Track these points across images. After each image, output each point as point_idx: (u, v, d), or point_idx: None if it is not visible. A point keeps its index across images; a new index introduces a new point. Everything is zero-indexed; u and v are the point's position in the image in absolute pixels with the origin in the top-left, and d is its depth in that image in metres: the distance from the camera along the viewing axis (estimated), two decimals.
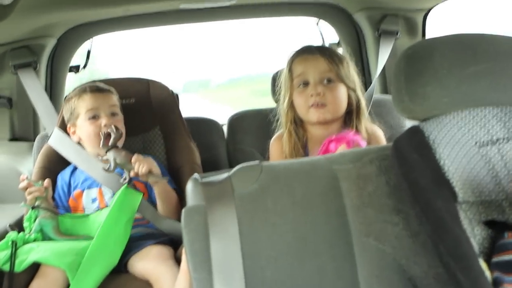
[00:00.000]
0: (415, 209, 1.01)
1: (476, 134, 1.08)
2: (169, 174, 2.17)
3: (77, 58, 2.97)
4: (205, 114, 2.80)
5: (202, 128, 2.58)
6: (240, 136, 2.50)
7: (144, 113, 2.35)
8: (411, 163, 1.04)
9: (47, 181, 2.00)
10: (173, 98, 2.43)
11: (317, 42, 2.86)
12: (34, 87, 2.57)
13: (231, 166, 2.47)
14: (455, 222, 0.97)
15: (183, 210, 1.04)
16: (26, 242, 1.86)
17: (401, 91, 1.13)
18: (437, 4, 2.64)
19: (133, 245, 1.92)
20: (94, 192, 2.10)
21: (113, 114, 2.14)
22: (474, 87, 1.09)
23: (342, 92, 1.94)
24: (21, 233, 1.87)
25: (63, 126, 2.25)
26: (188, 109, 2.57)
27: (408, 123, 2.36)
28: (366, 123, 2.00)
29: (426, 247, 1.01)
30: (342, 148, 1.75)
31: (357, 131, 1.95)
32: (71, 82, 2.86)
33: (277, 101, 2.17)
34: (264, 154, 2.24)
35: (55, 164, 2.21)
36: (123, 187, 1.98)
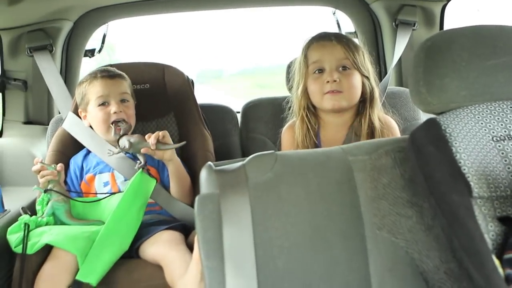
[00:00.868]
0: (429, 202, 1.00)
1: (493, 128, 1.07)
2: (182, 160, 2.17)
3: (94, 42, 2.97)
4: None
5: (216, 115, 2.57)
6: (253, 124, 2.50)
7: (159, 99, 2.35)
8: (427, 156, 1.03)
9: (60, 165, 2.01)
10: (188, 84, 2.42)
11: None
12: (49, 70, 2.58)
13: (244, 154, 2.49)
14: (469, 217, 0.96)
15: (196, 198, 1.04)
16: (38, 225, 1.87)
17: (419, 82, 1.12)
18: None
19: (144, 231, 1.93)
20: (106, 176, 2.11)
21: (123, 101, 2.14)
22: (492, 80, 1.08)
23: (357, 79, 1.93)
24: (34, 216, 1.88)
25: (77, 110, 2.25)
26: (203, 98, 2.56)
27: (423, 116, 2.36)
28: (379, 113, 1.99)
29: (439, 241, 1.00)
30: None
31: (370, 120, 1.94)
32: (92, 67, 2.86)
33: (290, 89, 2.16)
34: (276, 143, 2.24)
35: (69, 148, 2.22)
36: (138, 172, 1.98)
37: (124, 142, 2.01)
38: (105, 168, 2.12)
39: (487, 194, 1.02)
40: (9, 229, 1.83)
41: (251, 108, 2.54)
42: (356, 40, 2.84)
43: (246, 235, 0.99)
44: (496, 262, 0.94)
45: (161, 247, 1.86)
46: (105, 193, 2.04)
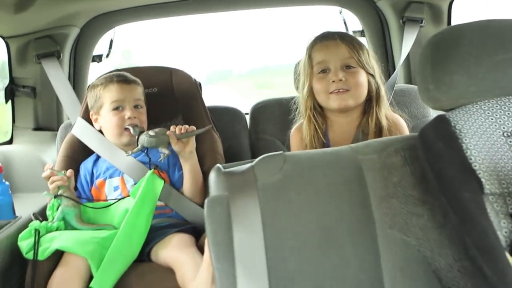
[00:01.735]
0: (440, 200, 0.99)
1: (503, 123, 1.06)
2: None
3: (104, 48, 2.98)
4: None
5: (225, 117, 2.57)
6: (262, 125, 2.49)
7: (167, 102, 2.35)
8: (438, 153, 1.02)
9: (69, 171, 2.02)
10: (196, 87, 2.42)
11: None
12: (57, 76, 2.59)
13: (253, 155, 2.48)
14: (482, 214, 0.95)
15: (206, 201, 1.04)
16: (49, 230, 1.88)
17: (427, 79, 1.11)
18: None
19: (155, 234, 1.93)
20: (116, 180, 2.11)
21: (136, 107, 2.14)
22: (502, 75, 1.07)
23: (363, 78, 1.92)
24: (44, 222, 1.88)
25: (86, 115, 2.26)
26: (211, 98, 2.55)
27: (433, 113, 2.35)
28: (387, 111, 1.98)
29: (451, 239, 0.99)
30: None
31: (377, 118, 1.93)
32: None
33: (297, 89, 2.15)
34: (285, 143, 2.23)
35: (78, 154, 2.23)
36: (148, 173, 1.99)
37: (144, 138, 2.02)
38: (115, 172, 2.12)
39: (499, 190, 1.01)
40: (20, 235, 1.84)
41: (259, 109, 2.54)
42: (363, 39, 2.86)
43: (256, 237, 0.99)
44: (510, 259, 0.93)
45: (172, 250, 1.86)
46: (115, 199, 2.04)
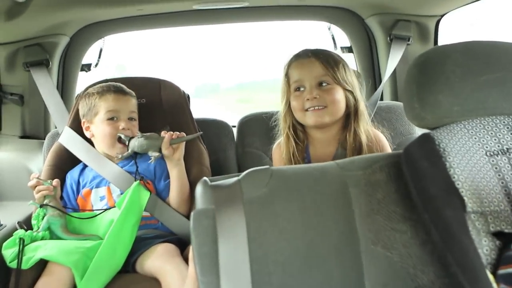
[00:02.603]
0: (423, 217, 1.01)
1: (486, 143, 1.08)
2: None
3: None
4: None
5: (212, 129, 2.57)
6: (249, 138, 2.50)
7: (155, 113, 2.35)
8: (421, 171, 1.03)
9: (56, 180, 2.02)
10: (184, 99, 2.42)
11: (329, 47, 2.85)
12: (46, 85, 2.59)
13: (240, 168, 2.49)
14: (463, 232, 0.97)
15: (192, 213, 1.05)
16: (33, 240, 1.87)
17: (413, 98, 1.13)
18: (450, 11, 2.63)
19: (140, 245, 1.93)
20: (102, 190, 2.11)
21: (130, 119, 2.15)
22: (486, 96, 1.09)
23: (339, 94, 1.93)
24: (29, 231, 1.88)
25: (74, 124, 2.26)
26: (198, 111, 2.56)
27: (418, 130, 2.37)
28: (366, 127, 1.99)
29: (433, 256, 1.01)
30: None
31: (356, 134, 1.94)
32: None
33: None
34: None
35: (65, 163, 2.22)
36: (134, 184, 2.00)
37: (135, 142, 2.04)
38: (102, 182, 2.12)
39: (480, 209, 1.02)
40: (4, 244, 1.83)
41: (247, 123, 2.54)
42: (351, 55, 2.89)
43: (241, 250, 1.00)
44: (490, 277, 0.94)
45: (157, 260, 1.85)
46: (101, 209, 2.04)
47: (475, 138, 1.08)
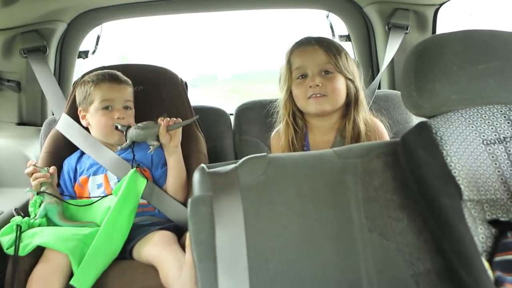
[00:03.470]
0: (420, 205, 1.01)
1: (483, 132, 1.08)
2: None
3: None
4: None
5: (210, 117, 2.57)
6: (246, 126, 2.50)
7: (153, 101, 2.34)
8: (418, 159, 1.04)
9: (52, 168, 2.02)
10: (182, 86, 2.42)
11: (326, 36, 2.84)
12: (43, 71, 2.58)
13: (237, 156, 2.49)
14: (459, 219, 0.97)
15: (189, 200, 1.05)
16: (31, 226, 1.87)
17: (410, 86, 1.13)
18: (448, 0, 2.62)
19: (137, 232, 1.93)
20: (99, 178, 2.11)
21: (126, 108, 2.15)
22: (483, 85, 1.09)
23: (340, 83, 1.94)
24: (26, 218, 1.88)
25: (71, 111, 2.25)
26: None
27: (416, 119, 2.37)
28: (365, 115, 2.00)
29: (429, 244, 1.01)
30: None
31: (355, 123, 1.95)
32: None
33: None
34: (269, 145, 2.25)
35: (62, 150, 2.22)
36: (131, 172, 2.00)
37: (133, 132, 2.04)
38: (99, 169, 2.12)
39: (477, 197, 1.03)
40: (1, 230, 1.83)
41: (244, 111, 2.54)
42: (348, 43, 2.88)
43: (238, 237, 1.00)
44: (486, 264, 0.95)
45: (154, 247, 1.86)
46: (98, 196, 2.04)
47: (472, 127, 1.09)
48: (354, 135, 1.94)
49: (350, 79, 1.96)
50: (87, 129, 2.20)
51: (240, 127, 2.51)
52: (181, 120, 2.06)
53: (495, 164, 1.05)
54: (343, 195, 1.06)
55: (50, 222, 1.95)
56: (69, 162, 2.17)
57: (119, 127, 2.07)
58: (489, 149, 1.07)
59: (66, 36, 2.83)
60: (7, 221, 1.88)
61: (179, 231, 1.99)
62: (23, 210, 1.95)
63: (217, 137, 2.55)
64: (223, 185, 1.06)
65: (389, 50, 2.66)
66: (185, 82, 2.46)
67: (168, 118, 2.03)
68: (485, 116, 1.10)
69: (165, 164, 2.13)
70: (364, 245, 1.02)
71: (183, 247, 1.83)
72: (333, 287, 1.01)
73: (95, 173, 2.12)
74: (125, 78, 2.20)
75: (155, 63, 2.51)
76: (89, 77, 2.19)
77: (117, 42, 3.04)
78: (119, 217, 1.89)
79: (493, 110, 1.11)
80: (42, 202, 1.95)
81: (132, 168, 2.04)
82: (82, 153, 2.18)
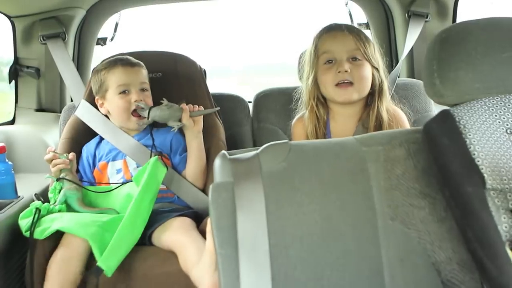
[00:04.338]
0: (443, 193, 1.01)
1: (507, 120, 1.07)
2: None
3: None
4: None
5: (228, 104, 2.57)
6: (265, 114, 2.50)
7: (171, 88, 2.34)
8: (442, 147, 1.03)
9: (72, 154, 2.03)
10: (201, 73, 2.42)
11: None
12: (62, 57, 2.59)
13: (255, 144, 2.49)
14: (483, 208, 0.97)
15: (210, 186, 1.05)
16: (50, 212, 1.88)
17: (433, 74, 1.12)
18: None
19: (157, 218, 1.94)
20: (119, 163, 2.12)
21: (142, 90, 2.15)
22: (507, 73, 1.08)
23: (368, 71, 1.93)
24: (46, 204, 1.89)
25: (90, 97, 2.26)
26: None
27: (435, 108, 2.36)
28: (388, 104, 1.99)
29: (451, 232, 1.01)
30: None
31: (378, 112, 1.94)
32: None
33: (301, 78, 2.16)
34: (288, 132, 2.24)
35: (81, 136, 2.23)
36: (153, 160, 2.00)
37: (157, 110, 2.04)
38: (118, 155, 2.13)
39: (500, 186, 1.02)
40: (21, 214, 1.85)
41: (262, 98, 2.54)
42: (367, 31, 2.86)
43: (259, 223, 1.00)
44: (510, 253, 0.94)
45: (174, 234, 1.86)
46: (117, 183, 2.05)
47: (496, 116, 1.08)
48: (377, 124, 1.93)
49: (376, 68, 1.95)
50: (106, 117, 2.20)
51: (258, 115, 2.52)
52: (203, 108, 2.06)
53: None
54: (365, 183, 1.06)
55: (69, 208, 1.96)
56: (88, 148, 2.19)
57: (143, 106, 2.07)
58: None
59: (85, 22, 2.85)
60: (26, 206, 1.89)
61: (198, 217, 2.00)
62: (43, 196, 1.97)
63: (235, 124, 2.55)
64: (245, 172, 1.06)
65: (409, 38, 2.64)
66: (204, 69, 2.46)
67: (191, 105, 2.04)
68: (508, 105, 1.09)
69: (184, 150, 2.13)
70: (385, 233, 1.02)
71: (202, 233, 1.84)
72: (353, 274, 1.01)
73: (114, 159, 2.13)
74: (136, 60, 2.20)
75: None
76: (102, 65, 2.20)
77: (133, 31, 3.04)
78: (141, 206, 1.89)
79: None
80: (61, 188, 1.96)
81: (151, 154, 2.04)
82: (101, 139, 2.19)
